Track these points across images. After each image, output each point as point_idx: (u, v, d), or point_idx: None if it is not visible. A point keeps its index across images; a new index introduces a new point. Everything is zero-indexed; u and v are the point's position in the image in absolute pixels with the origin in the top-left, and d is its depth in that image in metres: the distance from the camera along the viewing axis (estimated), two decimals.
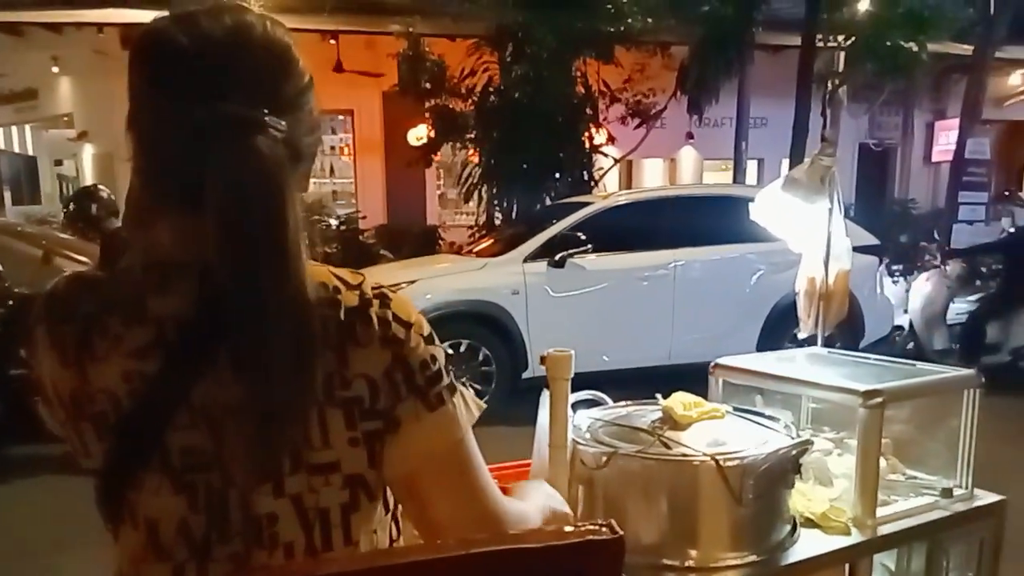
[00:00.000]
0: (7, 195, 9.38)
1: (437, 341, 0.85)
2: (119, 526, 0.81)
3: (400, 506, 0.89)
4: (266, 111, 0.77)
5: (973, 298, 6.61)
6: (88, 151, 12.57)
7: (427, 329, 0.84)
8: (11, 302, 4.60)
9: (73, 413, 0.80)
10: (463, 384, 0.87)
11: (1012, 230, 7.75)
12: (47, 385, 0.82)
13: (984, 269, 6.79)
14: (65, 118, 12.98)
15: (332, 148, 12.79)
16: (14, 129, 13.89)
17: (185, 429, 0.76)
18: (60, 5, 9.96)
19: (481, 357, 5.49)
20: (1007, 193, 7.56)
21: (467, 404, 0.86)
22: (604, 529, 0.67)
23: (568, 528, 0.69)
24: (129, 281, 0.79)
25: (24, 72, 12.16)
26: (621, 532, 0.67)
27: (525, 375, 5.55)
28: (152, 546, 0.79)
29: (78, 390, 0.79)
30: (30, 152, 14.60)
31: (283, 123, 0.77)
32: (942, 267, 6.98)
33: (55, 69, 12.01)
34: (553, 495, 1.12)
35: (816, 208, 1.94)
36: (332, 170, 12.82)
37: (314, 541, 0.79)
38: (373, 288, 0.83)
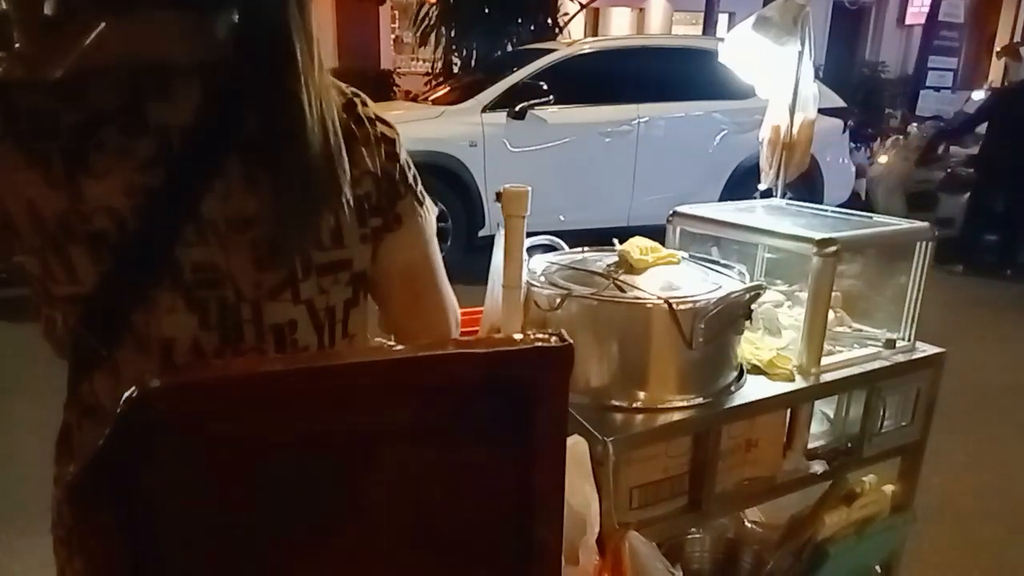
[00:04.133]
0: None
1: None
2: (117, 351, 0.75)
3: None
4: None
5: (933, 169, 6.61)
6: None
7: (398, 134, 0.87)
8: None
9: (57, 237, 0.71)
10: None
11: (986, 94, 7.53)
12: (12, 210, 0.71)
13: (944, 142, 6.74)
14: None
15: None
16: None
17: (195, 245, 0.73)
18: None
19: (437, 212, 5.38)
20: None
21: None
22: (554, 338, 0.65)
23: (518, 335, 0.67)
24: (115, 86, 0.70)
25: None
26: (570, 340, 0.66)
27: (482, 232, 5.49)
28: (165, 366, 0.75)
29: (69, 210, 0.70)
30: None
31: None
32: (902, 136, 6.95)
33: None
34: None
35: (786, 51, 1.85)
36: None
37: (323, 340, 0.81)
38: (348, 88, 0.84)
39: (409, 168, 0.86)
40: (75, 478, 0.56)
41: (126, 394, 0.56)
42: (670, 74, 5.92)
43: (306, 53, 0.74)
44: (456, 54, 8.88)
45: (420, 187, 0.88)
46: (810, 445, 1.54)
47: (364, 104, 0.84)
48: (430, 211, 0.90)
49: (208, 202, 0.72)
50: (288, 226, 0.74)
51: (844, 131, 6.40)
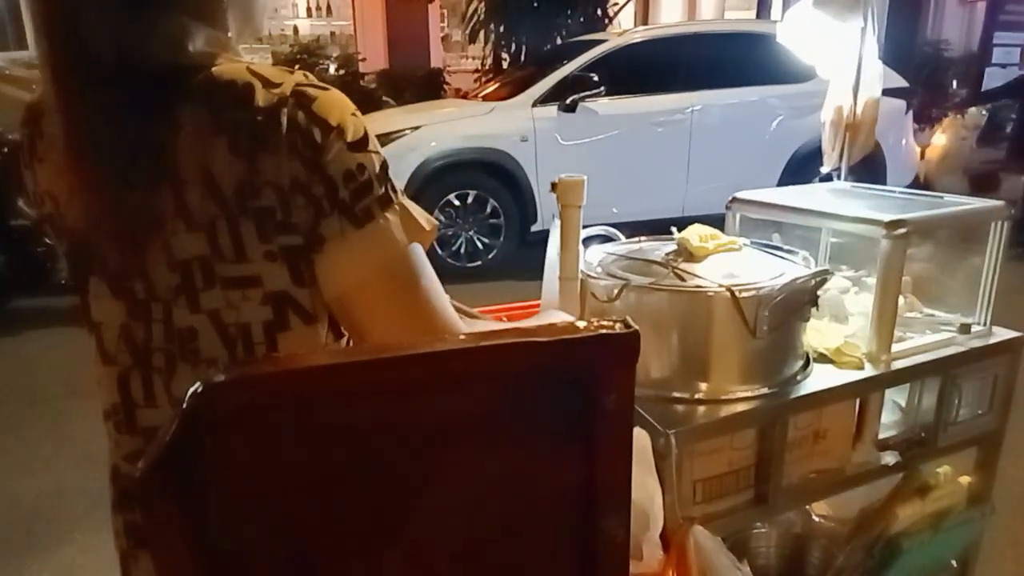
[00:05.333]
0: None
1: (374, 145, 0.76)
2: (89, 333, 0.83)
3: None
4: None
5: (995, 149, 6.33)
6: None
7: (356, 133, 0.74)
8: (5, 149, 4.49)
9: (39, 216, 0.83)
10: (400, 195, 0.78)
11: None
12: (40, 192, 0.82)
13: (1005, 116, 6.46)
14: None
15: None
16: None
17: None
18: None
19: (489, 209, 5.40)
20: None
21: (410, 219, 0.78)
22: (618, 325, 0.63)
23: (581, 323, 0.64)
24: None
25: None
26: (636, 327, 0.63)
27: (534, 228, 5.48)
28: (100, 351, 0.81)
29: (34, 192, 0.81)
30: None
31: None
32: (959, 114, 6.67)
33: None
34: (569, 319, 1.08)
35: (848, 28, 1.78)
36: (329, 9, 12.19)
37: (237, 358, 0.76)
38: (297, 85, 0.73)
39: (349, 181, 0.73)
40: (142, 472, 0.57)
41: (191, 388, 0.56)
42: (723, 60, 5.80)
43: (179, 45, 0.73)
44: (505, 50, 8.86)
45: (371, 199, 0.74)
46: (881, 436, 1.48)
47: (300, 105, 0.72)
48: (393, 219, 0.76)
49: (130, 199, 0.72)
50: (179, 230, 0.72)
51: (907, 112, 6.18)
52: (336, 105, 0.73)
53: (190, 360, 0.77)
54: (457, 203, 5.32)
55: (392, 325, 0.78)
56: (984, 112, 6.56)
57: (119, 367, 0.80)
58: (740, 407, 1.26)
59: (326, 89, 0.74)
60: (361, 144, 0.74)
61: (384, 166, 0.76)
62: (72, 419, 3.20)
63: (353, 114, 0.75)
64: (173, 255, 0.74)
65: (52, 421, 3.27)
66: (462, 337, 0.67)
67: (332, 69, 9.34)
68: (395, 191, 0.77)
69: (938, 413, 1.51)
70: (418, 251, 0.78)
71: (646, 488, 1.13)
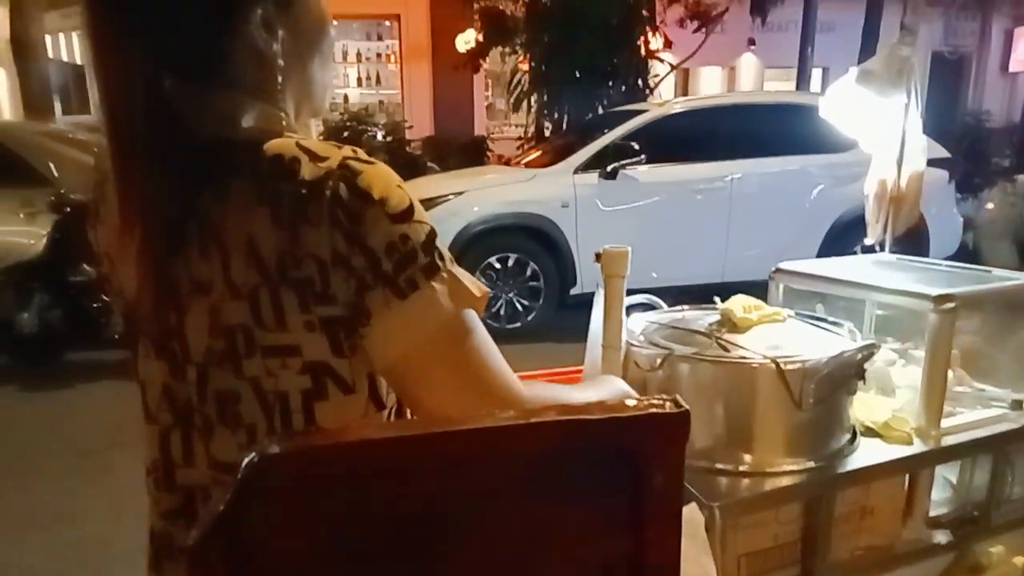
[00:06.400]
0: (57, 104, 9.49)
1: (420, 215, 0.76)
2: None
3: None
4: None
5: None
6: None
7: (400, 204, 0.74)
8: (67, 209, 4.69)
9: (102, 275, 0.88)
10: (448, 263, 0.77)
11: None
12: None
13: None
14: None
15: (378, 56, 12.59)
16: (61, 36, 13.92)
17: (160, 299, 0.78)
18: None
19: (529, 272, 5.45)
20: None
21: (458, 285, 0.77)
22: (668, 403, 0.63)
23: (629, 401, 0.65)
24: None
25: None
26: (686, 406, 0.63)
27: (574, 291, 5.51)
28: (144, 408, 0.83)
29: (97, 252, 0.87)
30: (79, 61, 14.67)
31: None
32: (1008, 182, 6.61)
33: None
34: (625, 388, 1.05)
35: (891, 103, 1.81)
36: (379, 79, 12.64)
37: (274, 425, 0.77)
38: (344, 159, 0.74)
39: (392, 252, 0.73)
40: (194, 539, 0.57)
41: (246, 459, 0.57)
42: (763, 130, 5.86)
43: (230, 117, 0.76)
44: (548, 118, 9.06)
45: (415, 269, 0.74)
46: (932, 513, 1.45)
47: (344, 179, 0.72)
48: (439, 288, 0.75)
49: (176, 264, 0.76)
50: (225, 299, 0.74)
51: (950, 182, 6.14)
52: (380, 178, 0.74)
53: (230, 424, 0.78)
54: (498, 266, 5.38)
55: (448, 392, 0.77)
56: None
57: (160, 425, 0.82)
58: (785, 481, 1.25)
59: (372, 163, 0.75)
60: (405, 215, 0.74)
61: (431, 235, 0.76)
62: (116, 471, 3.26)
63: (398, 186, 0.75)
64: (217, 321, 0.76)
65: (97, 472, 3.34)
66: (511, 413, 0.66)
67: (380, 136, 9.63)
68: (443, 259, 0.76)
69: (991, 491, 1.47)
70: (470, 317, 0.78)
71: (700, 566, 1.12)
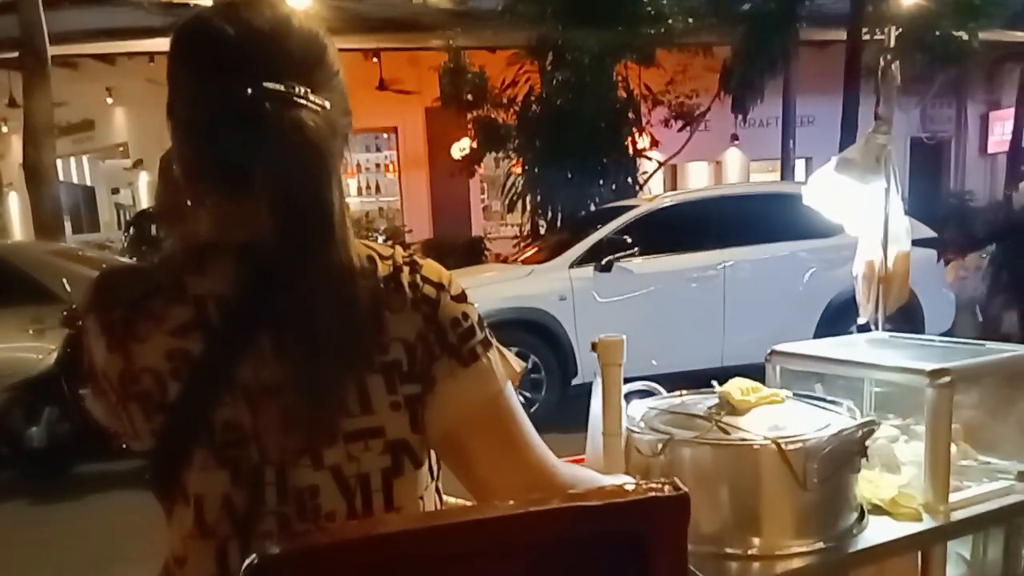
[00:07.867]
0: (68, 224, 9.81)
1: (470, 299, 0.87)
2: (172, 506, 0.82)
3: (445, 471, 0.89)
4: (307, 89, 0.79)
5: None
6: (143, 179, 12.96)
7: (457, 288, 0.86)
8: (79, 323, 4.74)
9: (121, 395, 0.81)
10: (495, 341, 0.87)
11: None
12: (98, 373, 0.83)
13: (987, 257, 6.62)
14: (120, 148, 13.42)
15: (377, 166, 12.97)
16: (72, 160, 14.40)
17: (228, 405, 0.78)
18: (112, 37, 10.32)
19: (530, 364, 5.45)
20: None
21: (504, 360, 0.86)
22: (667, 487, 0.64)
23: (629, 485, 0.66)
24: (170, 265, 0.83)
25: (80, 104, 12.61)
26: (686, 489, 0.65)
27: (574, 381, 5.50)
28: (198, 523, 0.80)
29: (124, 371, 0.80)
30: (88, 182, 15.11)
31: (324, 100, 0.80)
32: (980, 253, 6.79)
33: (109, 100, 12.45)
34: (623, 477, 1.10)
35: (872, 189, 1.88)
36: (378, 188, 12.98)
37: (355, 508, 0.79)
38: (403, 256, 0.85)
39: (456, 326, 0.83)
40: None
41: (247, 561, 0.59)
42: (752, 219, 5.99)
43: (341, 231, 0.78)
44: (542, 217, 9.28)
45: (475, 341, 0.84)
46: None
47: (413, 270, 0.84)
48: (494, 359, 0.85)
49: (243, 368, 0.77)
50: (310, 396, 0.76)
51: (938, 260, 6.26)
52: (437, 268, 0.87)
53: (309, 518, 0.79)
54: None
55: (497, 458, 0.84)
56: (984, 255, 6.71)
57: (217, 538, 0.80)
58: (796, 563, 1.24)
59: (426, 258, 0.87)
60: (462, 297, 0.86)
61: (480, 316, 0.86)
62: None
63: (451, 275, 0.87)
64: (291, 419, 0.77)
65: None
66: (510, 503, 0.68)
67: (380, 241, 9.83)
68: (492, 336, 0.86)
69: (1006, 564, 1.45)
70: (512, 390, 0.87)
71: None
